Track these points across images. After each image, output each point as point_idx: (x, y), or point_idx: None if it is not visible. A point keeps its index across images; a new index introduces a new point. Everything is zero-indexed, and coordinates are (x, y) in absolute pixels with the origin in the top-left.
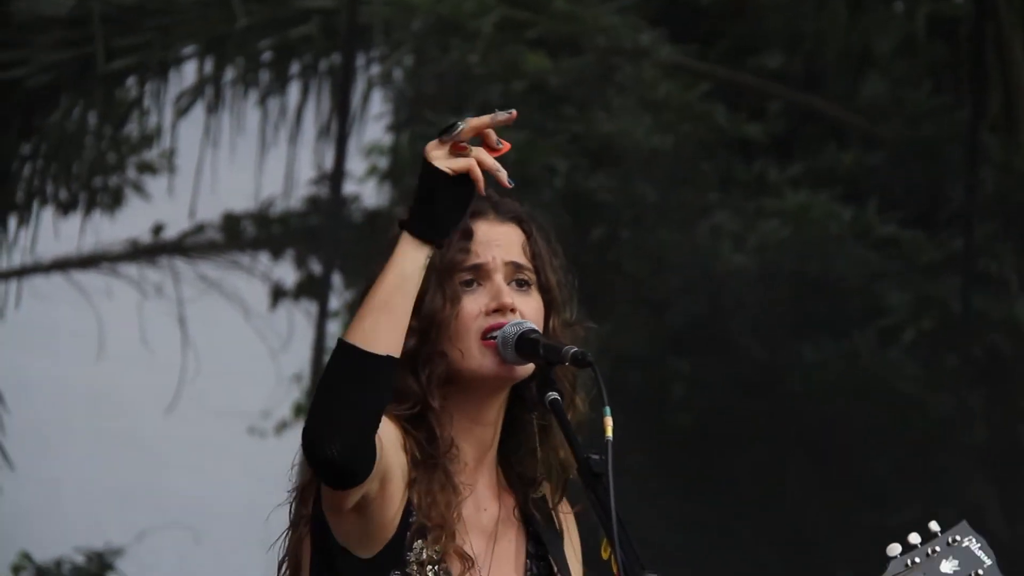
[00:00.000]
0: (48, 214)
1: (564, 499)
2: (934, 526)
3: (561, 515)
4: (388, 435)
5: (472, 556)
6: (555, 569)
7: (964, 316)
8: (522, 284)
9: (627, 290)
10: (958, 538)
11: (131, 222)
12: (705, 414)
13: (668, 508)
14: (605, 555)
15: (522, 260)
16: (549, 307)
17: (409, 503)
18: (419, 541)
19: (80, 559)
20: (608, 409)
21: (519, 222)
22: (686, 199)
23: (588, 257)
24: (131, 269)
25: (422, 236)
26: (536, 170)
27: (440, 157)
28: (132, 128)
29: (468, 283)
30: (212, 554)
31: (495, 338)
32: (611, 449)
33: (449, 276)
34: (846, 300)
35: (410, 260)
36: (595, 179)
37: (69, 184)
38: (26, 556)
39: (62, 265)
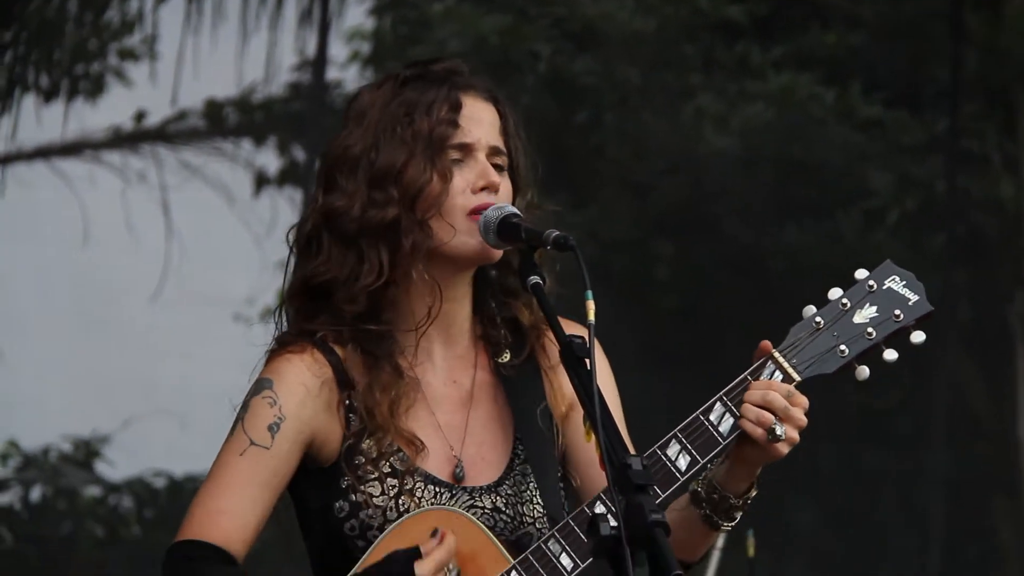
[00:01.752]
0: (30, 101)
1: (546, 346)
2: (859, 273)
3: (545, 357)
4: (296, 400)
5: (420, 439)
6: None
7: (948, 196)
8: (498, 168)
9: (611, 174)
10: (875, 283)
11: (113, 109)
12: (690, 296)
13: (654, 387)
14: (588, 439)
15: (500, 144)
16: (515, 190)
17: (348, 416)
18: (368, 441)
19: (67, 447)
20: (590, 293)
21: (495, 102)
22: (669, 82)
23: (572, 141)
24: (114, 156)
25: None
26: (519, 55)
27: None
28: (113, 14)
29: (455, 161)
30: (198, 439)
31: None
32: (592, 332)
33: (440, 150)
34: (830, 182)
35: None
36: (578, 63)
37: (50, 71)
38: (13, 444)
39: (45, 153)
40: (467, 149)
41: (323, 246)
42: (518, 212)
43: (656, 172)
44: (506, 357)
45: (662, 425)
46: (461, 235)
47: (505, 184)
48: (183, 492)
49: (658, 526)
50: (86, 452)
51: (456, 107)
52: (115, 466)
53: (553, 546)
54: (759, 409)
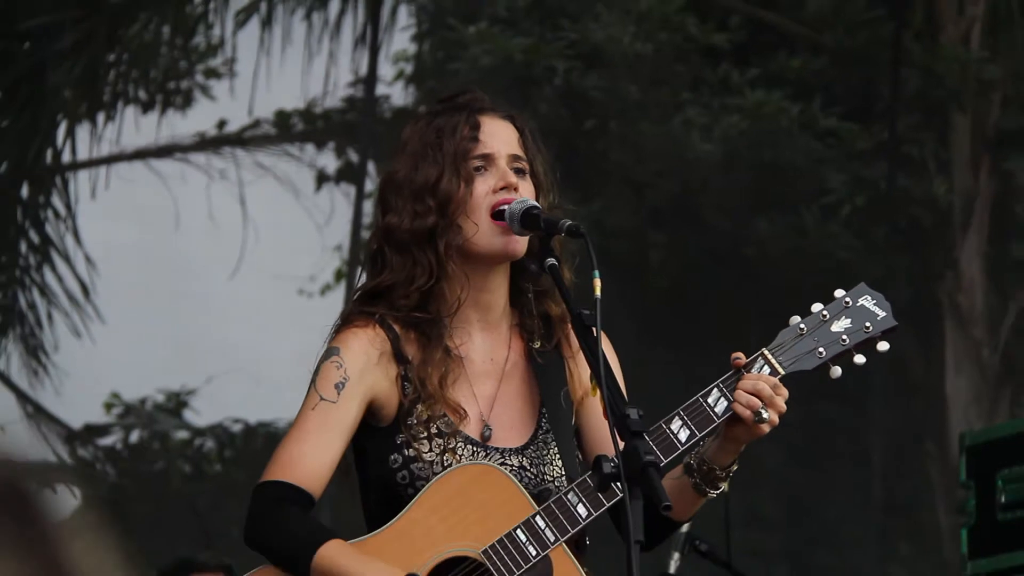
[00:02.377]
0: (130, 112)
1: (570, 338)
2: (837, 293)
3: (568, 347)
4: (359, 365)
5: (464, 408)
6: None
7: (891, 194)
8: (519, 172)
9: (613, 173)
10: (850, 300)
11: (199, 118)
12: (679, 277)
13: (648, 356)
14: (594, 394)
15: (519, 152)
16: (538, 191)
17: (404, 384)
18: (419, 406)
19: (160, 398)
20: (597, 272)
21: (512, 120)
22: (663, 97)
23: (581, 146)
24: (200, 157)
25: None
26: (539, 71)
27: None
28: (200, 40)
29: (478, 168)
30: (269, 392)
31: (503, 216)
32: (599, 306)
33: (463, 161)
34: (794, 181)
35: None
36: (588, 79)
37: (147, 87)
38: (116, 396)
39: (142, 154)
40: (488, 159)
41: (386, 259)
42: (538, 205)
43: (651, 172)
44: (537, 344)
45: (653, 385)
46: (485, 233)
47: (527, 186)
48: (256, 436)
49: (651, 466)
50: (176, 403)
51: (476, 126)
52: (200, 414)
53: (571, 498)
54: (749, 395)
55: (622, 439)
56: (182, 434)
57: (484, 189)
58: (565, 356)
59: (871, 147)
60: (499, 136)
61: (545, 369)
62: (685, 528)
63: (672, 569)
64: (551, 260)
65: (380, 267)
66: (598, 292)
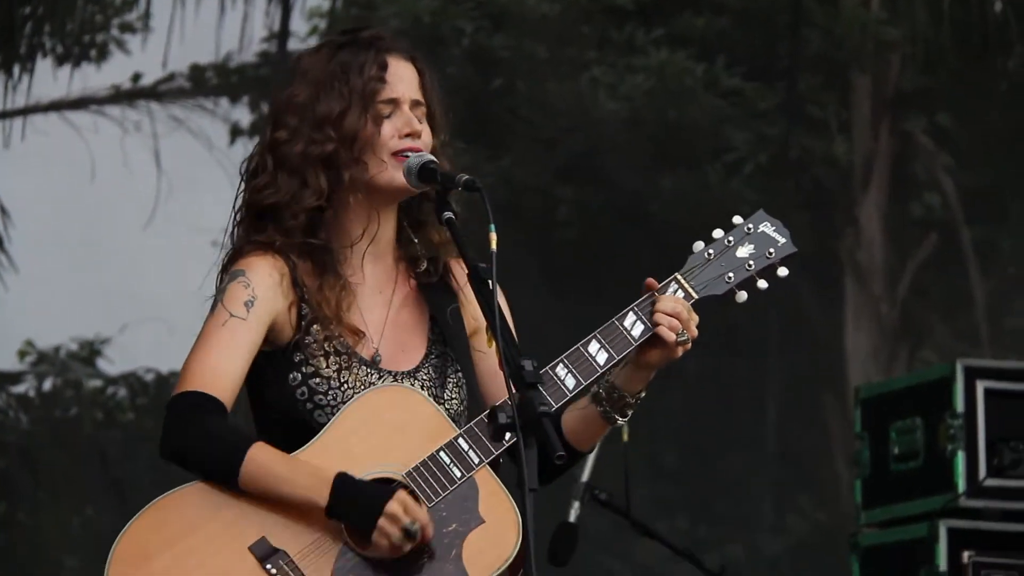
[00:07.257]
0: (46, 64)
1: (454, 269)
2: (736, 219)
3: (454, 279)
4: (264, 286)
5: (362, 329)
6: (445, 328)
7: (793, 152)
8: (419, 116)
9: (522, 131)
10: (752, 226)
11: (114, 72)
12: (585, 232)
13: (554, 309)
14: (490, 345)
15: (420, 97)
16: (435, 132)
17: (300, 306)
18: (315, 326)
19: (74, 346)
20: (493, 226)
21: (414, 61)
22: (570, 56)
23: (490, 104)
24: (115, 110)
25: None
26: (447, 31)
27: (387, 541)
28: None
29: (383, 108)
30: (182, 342)
31: (406, 156)
32: (495, 259)
33: (371, 101)
34: (699, 139)
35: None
36: (495, 39)
37: (63, 40)
38: (30, 343)
39: (57, 106)
40: (394, 103)
41: (267, 172)
42: (435, 159)
43: (559, 130)
44: (423, 266)
45: (562, 335)
46: (390, 170)
47: (425, 129)
48: (168, 385)
49: (544, 416)
50: (89, 351)
51: (383, 67)
52: (113, 363)
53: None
54: (670, 317)
55: (517, 390)
56: (95, 382)
57: (391, 130)
58: (451, 283)
59: (774, 107)
60: (405, 80)
61: (431, 295)
62: (585, 478)
63: (572, 518)
64: (448, 214)
65: (262, 184)
66: (494, 246)
